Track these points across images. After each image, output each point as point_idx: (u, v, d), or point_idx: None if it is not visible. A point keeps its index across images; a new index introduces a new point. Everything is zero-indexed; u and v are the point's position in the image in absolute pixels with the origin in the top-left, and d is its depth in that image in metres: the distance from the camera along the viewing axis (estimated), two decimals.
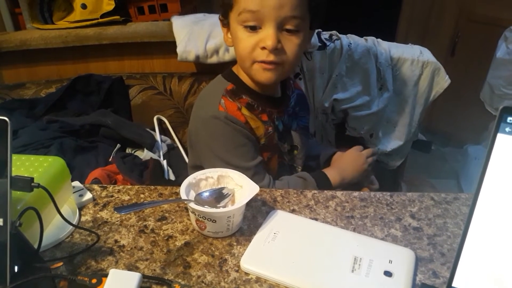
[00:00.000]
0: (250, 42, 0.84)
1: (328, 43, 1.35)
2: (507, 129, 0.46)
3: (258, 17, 0.81)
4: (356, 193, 0.79)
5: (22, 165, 0.68)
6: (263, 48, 0.83)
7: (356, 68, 1.38)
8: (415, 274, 0.61)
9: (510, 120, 0.46)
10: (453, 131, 2.36)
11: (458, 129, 2.31)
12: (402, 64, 1.41)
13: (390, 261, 0.62)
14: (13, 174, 0.53)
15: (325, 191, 0.80)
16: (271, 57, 0.83)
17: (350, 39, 1.39)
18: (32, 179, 0.54)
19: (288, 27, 0.82)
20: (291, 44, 0.84)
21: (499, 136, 0.46)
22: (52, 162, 0.69)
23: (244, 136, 0.90)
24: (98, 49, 1.40)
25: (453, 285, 0.51)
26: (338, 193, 0.79)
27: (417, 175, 1.67)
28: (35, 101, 1.28)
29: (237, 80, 0.93)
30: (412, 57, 1.40)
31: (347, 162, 1.03)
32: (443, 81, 1.41)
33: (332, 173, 0.98)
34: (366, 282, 0.59)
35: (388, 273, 0.60)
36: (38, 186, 0.55)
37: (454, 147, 2.23)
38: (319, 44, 1.34)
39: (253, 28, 0.83)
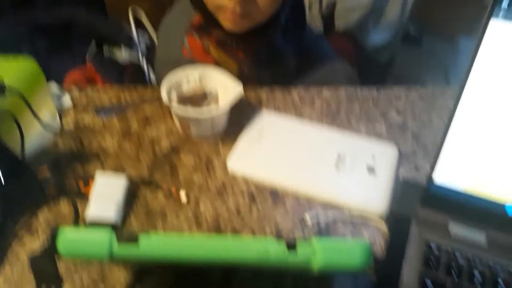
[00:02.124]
0: None
1: None
2: (501, 14, 0.43)
3: None
4: (342, 90, 0.78)
5: None
6: None
7: None
8: (397, 169, 0.63)
9: (505, 5, 0.43)
10: (444, 24, 2.28)
11: (449, 21, 2.23)
12: None
13: (374, 157, 0.63)
14: None
15: (311, 89, 0.78)
16: (238, 9, 0.67)
17: None
18: (2, 83, 0.51)
19: None
20: None
21: (492, 21, 0.44)
22: (24, 64, 0.65)
23: None
24: None
25: (433, 179, 0.53)
26: (324, 91, 0.78)
27: (406, 70, 1.65)
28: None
29: (205, 10, 0.73)
30: None
31: None
32: None
33: None
34: (349, 178, 0.60)
35: (371, 169, 0.61)
36: (9, 89, 0.52)
37: (445, 41, 2.17)
38: None
39: None
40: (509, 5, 0.43)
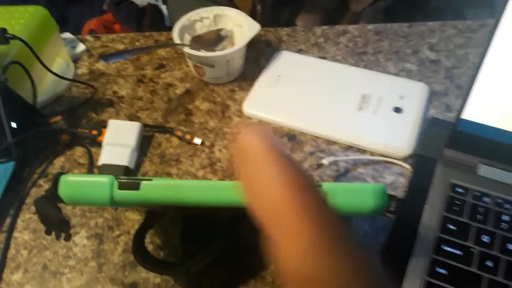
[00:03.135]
0: None
1: None
2: None
3: None
4: (371, 26, 0.72)
5: (2, 17, 0.62)
6: None
7: None
8: (427, 109, 0.58)
9: None
10: None
11: None
12: None
13: (401, 97, 0.58)
14: None
15: (336, 27, 0.72)
16: None
17: None
18: (4, 29, 0.50)
19: None
20: None
21: None
22: (34, 12, 0.63)
23: None
24: None
25: (462, 117, 0.48)
26: (351, 28, 0.72)
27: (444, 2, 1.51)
28: None
29: None
30: None
31: None
32: None
33: None
34: (372, 118, 0.56)
35: (398, 109, 0.57)
36: (14, 37, 0.51)
37: None
38: None
39: None
40: None
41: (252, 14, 0.74)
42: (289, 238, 0.25)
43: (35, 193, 0.53)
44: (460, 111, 0.48)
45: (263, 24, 0.63)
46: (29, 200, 0.53)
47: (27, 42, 0.53)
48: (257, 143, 0.29)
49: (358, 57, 0.67)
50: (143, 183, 0.36)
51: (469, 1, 1.84)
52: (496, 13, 0.43)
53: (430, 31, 0.69)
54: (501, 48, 0.43)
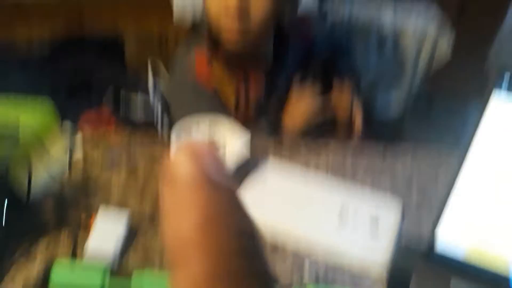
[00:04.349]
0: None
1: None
2: (504, 86, 0.45)
3: None
4: (349, 143, 0.79)
5: (11, 107, 0.67)
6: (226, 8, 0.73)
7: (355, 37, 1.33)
8: (401, 223, 0.62)
9: (507, 79, 0.44)
10: (455, 86, 2.32)
11: (461, 84, 2.27)
12: (403, 33, 1.36)
13: (377, 209, 0.63)
14: None
15: (318, 141, 0.79)
16: (235, 25, 0.74)
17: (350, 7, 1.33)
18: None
19: None
20: (259, 4, 0.74)
21: (496, 92, 0.45)
22: (40, 104, 0.68)
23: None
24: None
25: (435, 234, 0.52)
26: (331, 142, 0.79)
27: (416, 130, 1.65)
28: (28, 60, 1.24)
29: (211, 36, 0.82)
30: (415, 27, 1.35)
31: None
32: (445, 51, 1.37)
33: None
34: (351, 229, 0.59)
35: (374, 221, 0.61)
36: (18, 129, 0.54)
37: (456, 103, 2.20)
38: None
39: None
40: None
41: (236, 110, 0.84)
42: (183, 268, 0.25)
43: (15, 271, 0.52)
44: (432, 231, 0.52)
45: (247, 123, 0.71)
46: (8, 278, 0.51)
47: (35, 133, 0.57)
48: (187, 166, 0.27)
49: (338, 169, 0.72)
50: (135, 276, 0.36)
51: (436, 129, 2.02)
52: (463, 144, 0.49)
53: (403, 152, 0.77)
54: (470, 177, 0.49)
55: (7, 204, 0.54)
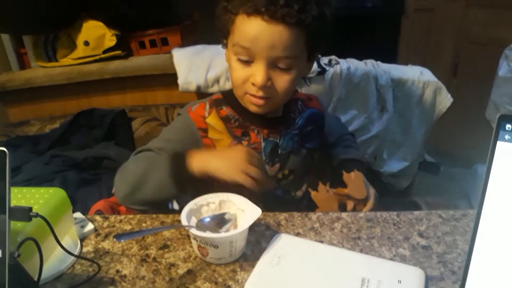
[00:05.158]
0: (242, 74, 0.83)
1: (327, 68, 1.36)
2: (507, 137, 0.45)
3: (250, 53, 0.80)
4: (362, 214, 0.78)
5: (23, 197, 0.67)
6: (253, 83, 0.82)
7: (356, 91, 1.39)
8: None
9: (509, 128, 0.45)
10: (461, 151, 2.33)
11: (466, 149, 2.28)
12: (403, 85, 1.41)
13: (399, 281, 0.60)
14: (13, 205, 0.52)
15: (330, 213, 0.78)
16: (260, 93, 0.82)
17: (349, 63, 1.40)
18: (30, 208, 0.54)
19: (281, 65, 0.81)
20: (282, 80, 0.82)
21: (499, 144, 0.46)
22: (53, 193, 0.69)
23: (187, 137, 0.89)
24: (101, 84, 1.43)
25: None
26: (344, 215, 0.78)
27: (425, 196, 1.64)
28: (39, 137, 1.29)
29: (230, 94, 0.91)
30: (413, 77, 1.41)
31: (224, 152, 0.85)
32: (445, 100, 1.41)
33: (197, 156, 0.79)
34: None
35: None
36: (37, 215, 0.54)
37: (463, 167, 2.20)
38: (319, 70, 1.35)
39: (246, 62, 0.81)
40: None
41: None
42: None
43: None
44: None
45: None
46: None
47: (48, 221, 0.56)
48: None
49: (354, 242, 0.70)
50: None
51: (447, 194, 2.00)
52: (475, 205, 0.49)
53: (417, 219, 0.75)
54: (487, 235, 0.48)
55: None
